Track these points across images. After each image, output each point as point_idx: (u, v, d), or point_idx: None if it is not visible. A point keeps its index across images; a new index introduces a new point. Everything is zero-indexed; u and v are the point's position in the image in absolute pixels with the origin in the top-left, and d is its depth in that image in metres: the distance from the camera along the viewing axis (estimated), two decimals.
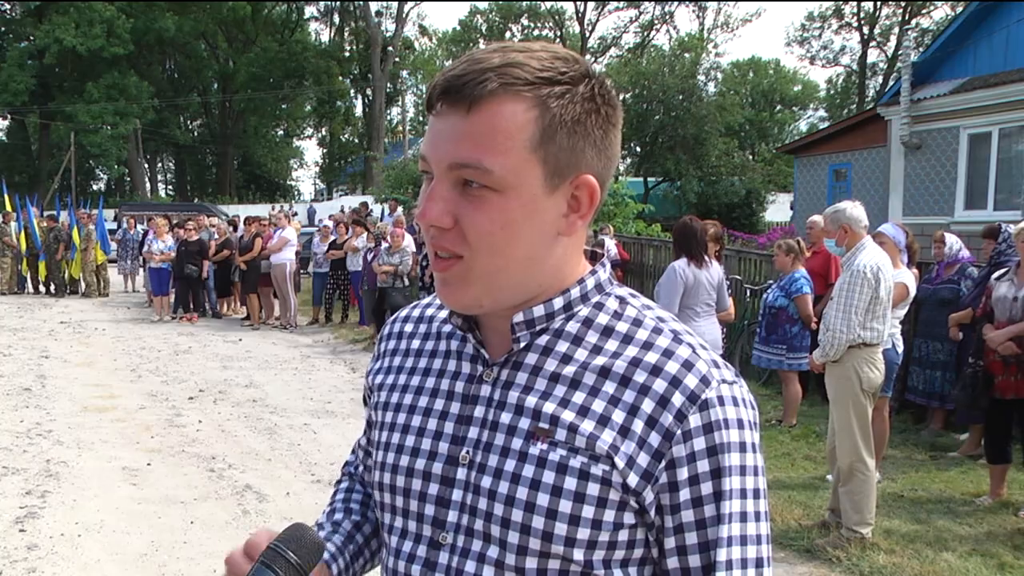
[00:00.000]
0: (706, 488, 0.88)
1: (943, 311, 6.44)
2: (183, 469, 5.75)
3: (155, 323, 13.26)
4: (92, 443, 6.34)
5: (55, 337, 11.64)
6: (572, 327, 0.95)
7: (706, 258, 5.35)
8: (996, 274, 5.24)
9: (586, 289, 0.96)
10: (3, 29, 43.89)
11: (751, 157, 32.68)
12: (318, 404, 7.73)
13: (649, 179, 27.69)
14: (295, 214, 24.38)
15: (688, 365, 0.90)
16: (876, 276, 4.30)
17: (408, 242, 10.90)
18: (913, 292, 5.47)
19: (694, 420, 0.88)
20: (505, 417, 0.93)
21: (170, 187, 57.40)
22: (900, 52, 16.06)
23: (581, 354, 0.93)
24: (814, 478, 5.49)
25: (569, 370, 0.93)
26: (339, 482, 1.26)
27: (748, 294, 8.79)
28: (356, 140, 55.49)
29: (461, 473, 0.94)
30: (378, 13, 50.64)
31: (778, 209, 27.03)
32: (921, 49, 14.85)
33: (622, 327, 0.94)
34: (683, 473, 0.88)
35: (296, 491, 5.29)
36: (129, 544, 4.44)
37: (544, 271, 0.93)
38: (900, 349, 5.39)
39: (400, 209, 15.80)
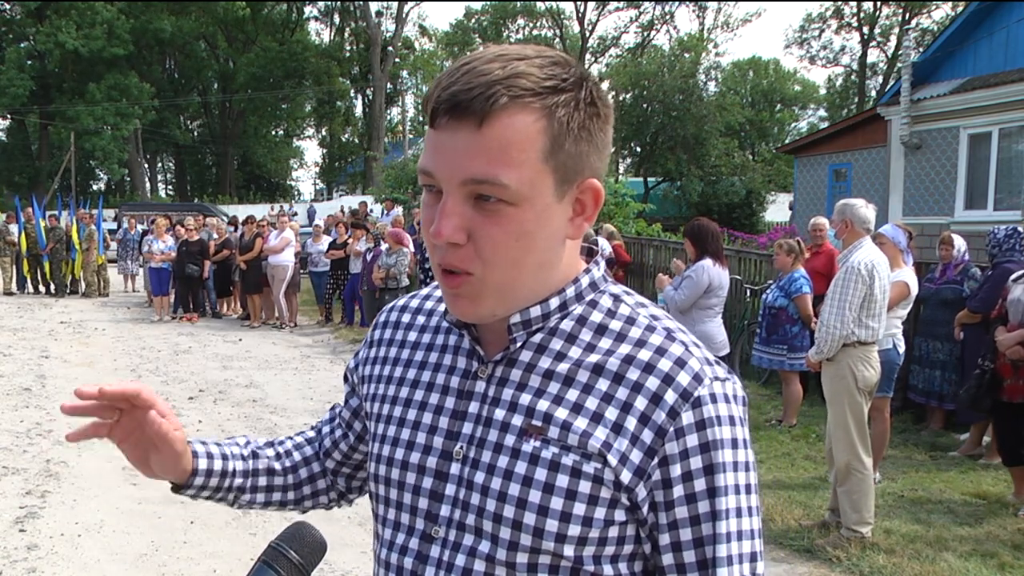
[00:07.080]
0: (699, 484, 0.89)
1: (944, 311, 6.44)
2: None
3: (155, 323, 13.25)
4: (92, 443, 6.26)
5: (55, 337, 11.63)
6: (567, 325, 0.95)
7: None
8: (1014, 275, 5.15)
9: (581, 287, 0.96)
10: (3, 29, 43.83)
11: (751, 157, 32.65)
12: (318, 404, 7.72)
13: (649, 179, 27.69)
14: (295, 214, 24.37)
15: (680, 362, 0.91)
16: (870, 274, 4.30)
17: (407, 242, 10.90)
18: (915, 291, 5.46)
19: (687, 417, 0.88)
20: (499, 414, 0.94)
21: (170, 187, 57.38)
22: (900, 52, 16.07)
23: (575, 352, 0.94)
24: (814, 478, 5.49)
25: (563, 368, 0.93)
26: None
27: (748, 294, 8.79)
28: (356, 140, 55.47)
29: (455, 468, 0.95)
30: (378, 13, 50.65)
31: (778, 209, 27.01)
32: (921, 49, 14.83)
33: (616, 325, 0.95)
34: (676, 470, 0.88)
35: None
36: (129, 544, 4.44)
37: (553, 276, 0.94)
38: (901, 349, 5.38)
39: (399, 209, 15.79)
